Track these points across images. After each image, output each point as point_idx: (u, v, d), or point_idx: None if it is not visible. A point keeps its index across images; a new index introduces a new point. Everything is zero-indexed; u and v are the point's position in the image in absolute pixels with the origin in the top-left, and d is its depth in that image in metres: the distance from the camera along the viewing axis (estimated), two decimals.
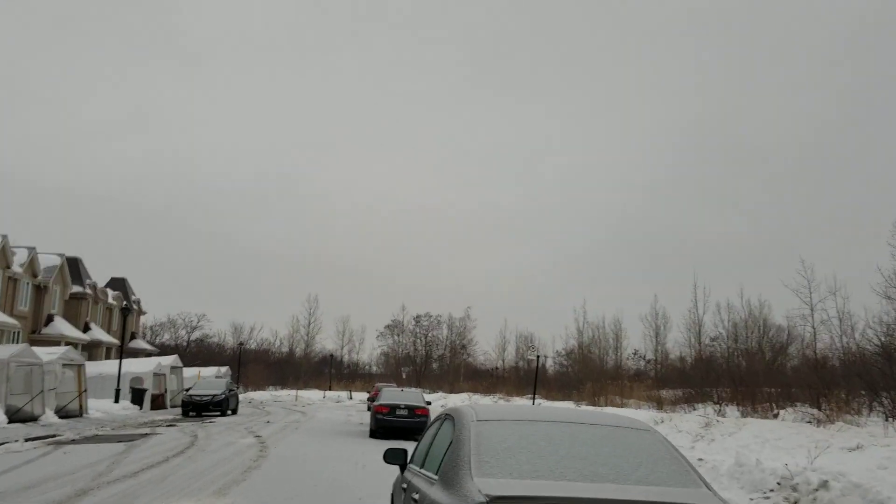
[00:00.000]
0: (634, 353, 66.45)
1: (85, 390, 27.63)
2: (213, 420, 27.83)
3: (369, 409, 41.40)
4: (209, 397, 31.34)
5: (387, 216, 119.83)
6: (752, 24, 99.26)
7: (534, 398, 24.09)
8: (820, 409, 29.27)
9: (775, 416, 30.30)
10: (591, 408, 31.17)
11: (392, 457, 5.79)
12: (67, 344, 41.84)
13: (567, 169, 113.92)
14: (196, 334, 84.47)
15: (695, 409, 38.55)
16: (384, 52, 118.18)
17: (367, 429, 24.19)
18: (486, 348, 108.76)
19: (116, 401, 32.26)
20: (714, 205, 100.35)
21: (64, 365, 26.11)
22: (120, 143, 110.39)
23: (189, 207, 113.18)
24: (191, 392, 32.15)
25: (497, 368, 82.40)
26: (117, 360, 42.74)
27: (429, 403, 22.85)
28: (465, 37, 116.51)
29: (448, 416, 4.93)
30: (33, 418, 23.20)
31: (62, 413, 25.56)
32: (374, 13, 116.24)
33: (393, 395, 22.84)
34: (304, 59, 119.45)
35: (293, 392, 63.68)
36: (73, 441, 18.30)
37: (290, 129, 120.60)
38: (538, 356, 23.97)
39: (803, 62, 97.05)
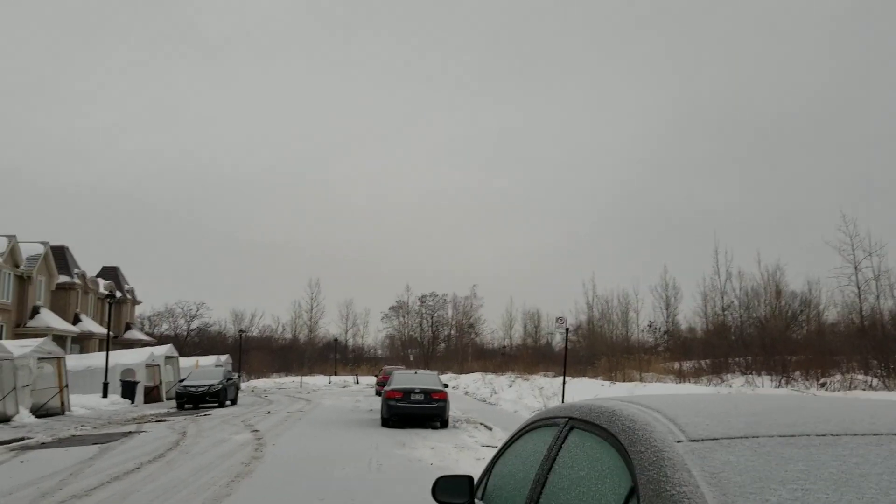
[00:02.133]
0: (650, 326, 63.95)
1: (66, 385, 25.18)
2: (208, 413, 25.42)
3: (378, 393, 38.97)
4: (205, 388, 28.91)
5: (389, 199, 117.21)
6: None
7: (564, 377, 21.61)
8: (869, 373, 26.89)
9: (822, 385, 27.94)
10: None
11: (447, 492, 3.27)
12: (56, 336, 39.46)
13: (574, 149, 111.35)
14: (196, 323, 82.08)
15: (723, 381, 36.26)
16: (391, 38, 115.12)
17: (378, 416, 21.78)
18: (493, 327, 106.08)
19: (105, 395, 29.87)
20: (728, 176, 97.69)
21: (40, 359, 23.62)
22: (125, 140, 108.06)
23: (187, 199, 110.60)
24: (185, 383, 29.73)
25: (505, 347, 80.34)
26: (110, 352, 40.44)
27: (446, 386, 20.39)
28: (469, 23, 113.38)
29: (593, 428, 2.24)
30: (5, 419, 20.80)
31: (40, 412, 23.14)
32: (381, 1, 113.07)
33: (406, 378, 20.34)
34: (306, 52, 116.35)
35: (298, 378, 61.34)
36: (43, 445, 15.86)
37: (295, 120, 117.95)
38: (567, 329, 21.40)
39: (820, 26, 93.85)
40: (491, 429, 18.04)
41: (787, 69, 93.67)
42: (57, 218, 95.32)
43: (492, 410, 26.27)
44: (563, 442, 2.44)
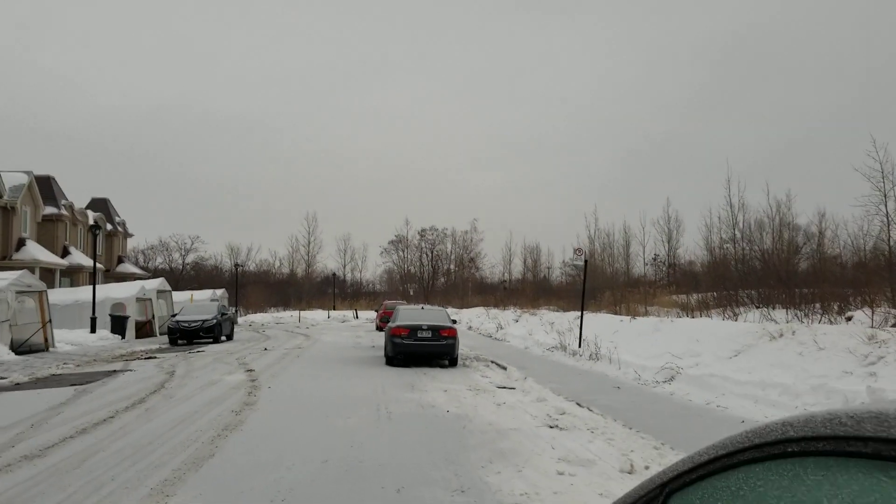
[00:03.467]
0: (655, 259, 62.59)
1: (49, 320, 23.74)
2: (202, 349, 24.08)
3: (378, 328, 37.64)
4: (198, 323, 27.53)
5: (389, 133, 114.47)
6: None
7: (582, 312, 20.16)
8: None
9: (848, 318, 26.58)
10: None
11: None
12: (44, 270, 38.00)
13: (583, 87, 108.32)
14: (191, 257, 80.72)
15: (736, 315, 35.02)
16: None
17: (381, 353, 20.45)
18: (493, 262, 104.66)
19: (93, 331, 28.51)
20: (735, 115, 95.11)
21: (19, 292, 22.12)
22: (122, 77, 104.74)
23: (183, 136, 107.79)
24: (177, 318, 28.33)
25: (505, 281, 79.30)
26: (99, 286, 39.09)
27: (454, 322, 18.94)
28: None
29: None
30: None
31: (22, 348, 21.78)
32: None
33: (412, 313, 18.87)
34: None
35: (296, 313, 60.26)
36: (18, 385, 14.48)
37: (294, 57, 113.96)
38: (586, 260, 19.79)
39: None
40: (505, 368, 16.64)
41: None
42: (47, 152, 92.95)
43: (501, 347, 24.97)
44: None
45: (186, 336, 27.44)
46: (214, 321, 27.88)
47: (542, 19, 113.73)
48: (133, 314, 31.64)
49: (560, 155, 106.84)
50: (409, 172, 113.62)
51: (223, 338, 29.12)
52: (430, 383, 13.99)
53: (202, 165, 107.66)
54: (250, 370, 16.18)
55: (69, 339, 25.96)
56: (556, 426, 9.14)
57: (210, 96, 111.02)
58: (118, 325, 29.84)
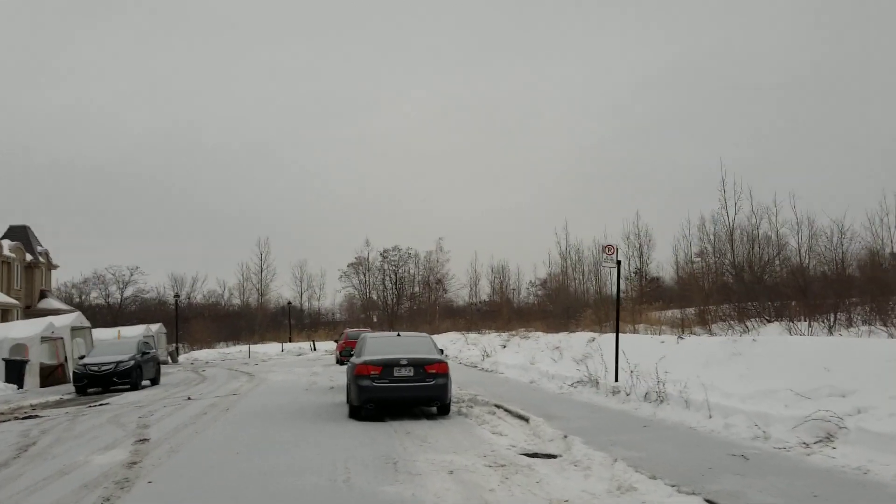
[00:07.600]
0: (635, 273, 58.12)
1: None
2: (107, 402, 18.49)
3: (338, 361, 32.02)
4: (111, 366, 21.92)
5: (338, 152, 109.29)
6: None
7: (617, 331, 15.20)
8: None
9: None
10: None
11: None
12: None
13: (547, 106, 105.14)
14: (130, 290, 73.78)
15: (748, 329, 30.74)
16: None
17: (343, 399, 15.11)
18: (460, 283, 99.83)
19: None
20: (708, 134, 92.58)
21: None
22: (32, 95, 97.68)
23: (120, 162, 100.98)
24: (86, 360, 22.70)
25: (473, 304, 74.50)
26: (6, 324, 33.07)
27: (442, 353, 13.78)
28: None
29: None
30: None
31: None
32: None
33: (385, 344, 13.53)
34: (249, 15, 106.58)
35: (246, 347, 54.26)
36: None
37: (244, 83, 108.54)
38: (619, 261, 14.81)
39: None
40: (526, 419, 11.45)
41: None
42: None
43: (497, 381, 19.80)
44: None
45: (98, 383, 21.83)
46: (132, 363, 22.28)
47: (516, 54, 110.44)
48: (37, 357, 25.76)
49: (529, 175, 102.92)
50: (369, 194, 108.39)
51: (146, 382, 23.54)
52: (422, 454, 8.84)
53: (143, 191, 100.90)
54: (143, 440, 10.73)
55: None
56: None
57: (149, 115, 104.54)
58: (14, 371, 23.97)
